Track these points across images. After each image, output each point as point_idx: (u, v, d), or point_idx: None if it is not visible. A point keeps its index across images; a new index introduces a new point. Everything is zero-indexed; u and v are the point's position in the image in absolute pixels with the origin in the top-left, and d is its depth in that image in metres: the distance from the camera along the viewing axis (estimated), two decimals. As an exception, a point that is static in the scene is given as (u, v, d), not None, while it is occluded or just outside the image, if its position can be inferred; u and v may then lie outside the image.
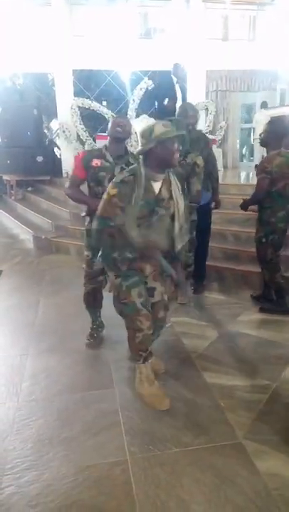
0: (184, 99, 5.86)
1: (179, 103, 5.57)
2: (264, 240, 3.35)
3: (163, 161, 2.08)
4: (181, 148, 3.04)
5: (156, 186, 2.13)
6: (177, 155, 2.08)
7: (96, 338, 3.03)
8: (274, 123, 3.32)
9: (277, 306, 3.44)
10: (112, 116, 8.62)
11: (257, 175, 3.28)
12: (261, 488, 1.73)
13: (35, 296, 4.06)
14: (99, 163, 2.68)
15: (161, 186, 2.15)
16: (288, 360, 2.73)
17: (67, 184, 2.91)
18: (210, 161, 3.58)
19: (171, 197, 2.17)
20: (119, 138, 2.68)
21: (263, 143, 3.36)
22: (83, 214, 2.83)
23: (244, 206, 3.45)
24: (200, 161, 3.29)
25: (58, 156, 8.97)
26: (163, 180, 2.15)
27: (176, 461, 1.89)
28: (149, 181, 2.10)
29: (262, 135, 3.33)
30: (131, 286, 2.17)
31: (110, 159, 2.69)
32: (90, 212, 2.65)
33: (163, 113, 5.42)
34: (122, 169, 2.48)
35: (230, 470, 1.83)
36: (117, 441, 2.02)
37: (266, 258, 3.38)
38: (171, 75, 5.84)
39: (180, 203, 2.20)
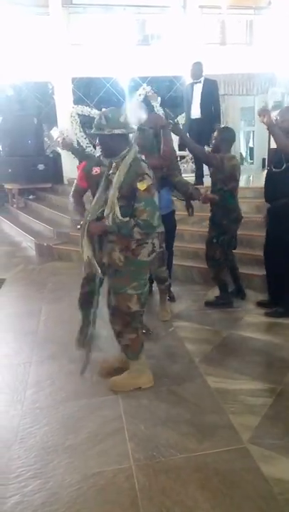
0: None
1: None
2: (215, 241, 3.54)
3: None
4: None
5: (110, 167, 2.36)
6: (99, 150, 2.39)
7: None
8: (225, 131, 3.60)
9: (220, 299, 3.68)
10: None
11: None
12: (267, 493, 1.72)
13: (38, 304, 4.06)
14: (98, 171, 2.72)
15: (111, 170, 2.33)
16: (292, 363, 2.72)
17: (72, 190, 3.10)
18: (176, 168, 3.57)
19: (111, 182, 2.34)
20: None
21: (216, 148, 3.54)
22: (78, 227, 2.94)
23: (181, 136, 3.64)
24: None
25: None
26: (114, 166, 2.32)
27: (181, 467, 1.88)
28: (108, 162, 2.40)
29: (214, 141, 3.56)
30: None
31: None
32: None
33: None
34: None
35: (236, 475, 1.82)
36: (122, 448, 2.01)
37: (214, 257, 3.58)
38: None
39: (112, 192, 2.31)
